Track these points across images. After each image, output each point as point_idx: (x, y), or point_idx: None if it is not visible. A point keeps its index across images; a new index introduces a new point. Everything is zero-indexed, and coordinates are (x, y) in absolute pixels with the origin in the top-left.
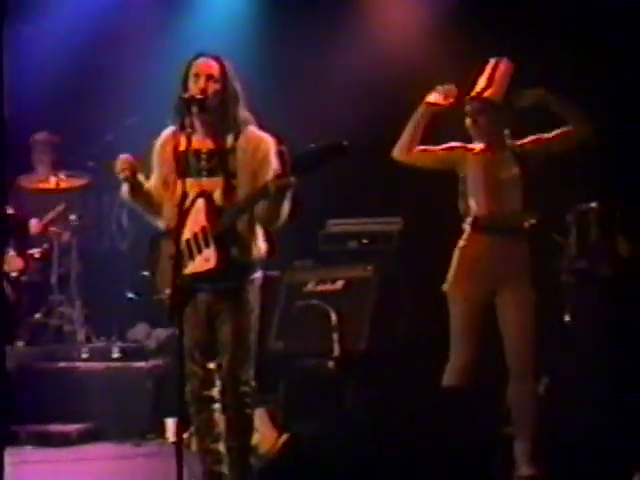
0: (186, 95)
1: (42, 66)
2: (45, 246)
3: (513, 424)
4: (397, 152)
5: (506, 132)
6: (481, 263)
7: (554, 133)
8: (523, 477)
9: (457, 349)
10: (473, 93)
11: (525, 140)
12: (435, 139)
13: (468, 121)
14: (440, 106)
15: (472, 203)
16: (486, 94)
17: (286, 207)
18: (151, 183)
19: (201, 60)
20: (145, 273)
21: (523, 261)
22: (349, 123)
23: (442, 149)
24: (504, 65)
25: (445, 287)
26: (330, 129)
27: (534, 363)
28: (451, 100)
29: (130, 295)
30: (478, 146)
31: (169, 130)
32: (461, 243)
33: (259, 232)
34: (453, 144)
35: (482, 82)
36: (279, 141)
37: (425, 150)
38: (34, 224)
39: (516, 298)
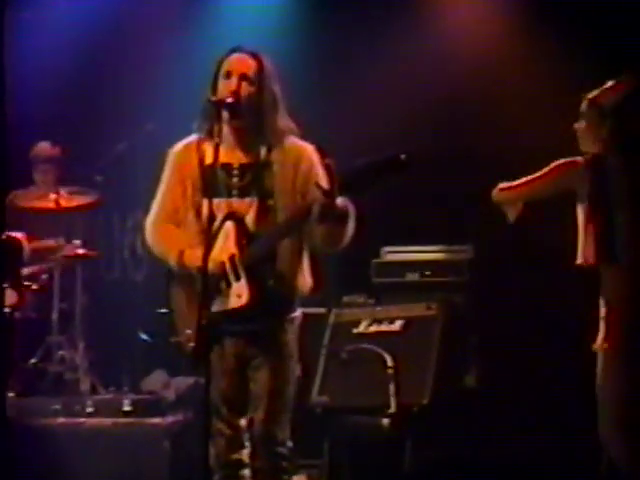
0: (215, 98)
1: (44, 65)
2: (44, 276)
3: None
4: (498, 195)
5: None
6: None
7: None
8: None
9: None
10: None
11: None
12: None
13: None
14: None
15: None
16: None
17: (351, 227)
18: (163, 201)
19: (235, 56)
20: (163, 310)
21: None
22: (408, 135)
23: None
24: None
25: None
26: (382, 141)
27: None
28: None
29: (144, 336)
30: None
31: (191, 139)
32: None
33: (306, 262)
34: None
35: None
36: (323, 154)
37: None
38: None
39: None
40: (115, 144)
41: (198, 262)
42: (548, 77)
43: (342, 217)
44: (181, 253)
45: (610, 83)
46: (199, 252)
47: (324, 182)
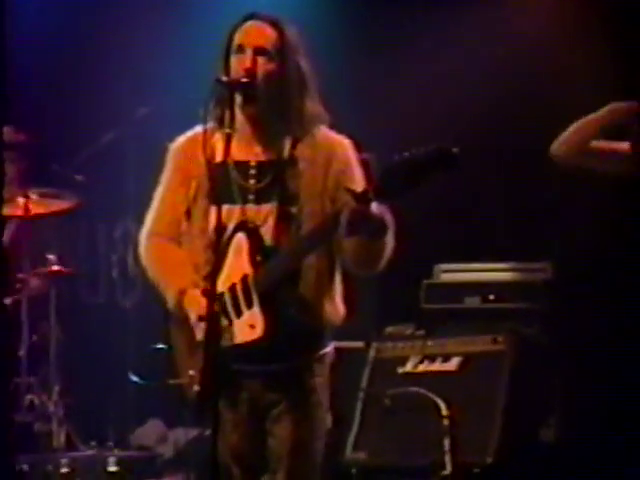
0: (225, 78)
1: (19, 38)
2: (7, 300)
3: None
4: (557, 147)
5: None
6: None
7: None
8: None
9: None
10: None
11: None
12: None
13: None
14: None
15: None
16: None
17: (390, 243)
18: (162, 209)
19: (249, 25)
20: (159, 346)
21: None
22: (465, 129)
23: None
24: None
25: None
26: (434, 136)
27: None
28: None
29: (134, 377)
30: None
31: (197, 130)
32: None
33: (338, 284)
34: None
35: None
36: (359, 148)
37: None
38: None
39: None
40: (99, 134)
41: (199, 309)
42: (616, 74)
43: (378, 229)
44: (181, 293)
45: None
46: (202, 298)
47: (358, 185)
